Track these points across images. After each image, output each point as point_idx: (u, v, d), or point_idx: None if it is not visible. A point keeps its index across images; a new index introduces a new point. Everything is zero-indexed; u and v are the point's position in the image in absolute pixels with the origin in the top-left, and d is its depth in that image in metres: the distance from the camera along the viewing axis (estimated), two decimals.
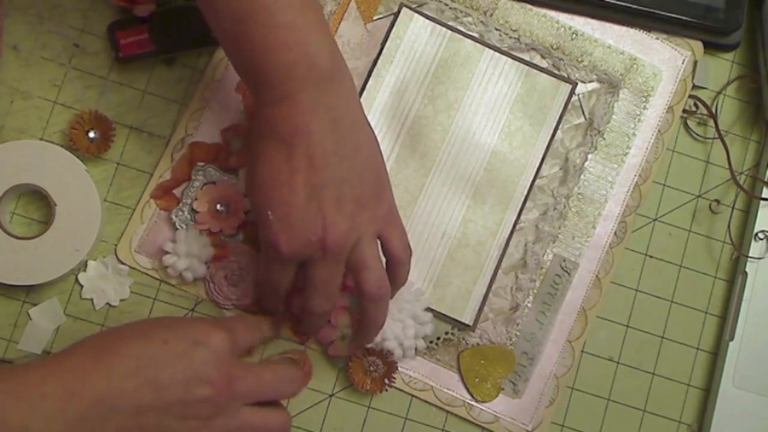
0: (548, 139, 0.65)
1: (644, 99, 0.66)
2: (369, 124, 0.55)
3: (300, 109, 0.50)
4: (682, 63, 0.67)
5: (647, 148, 0.66)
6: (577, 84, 0.66)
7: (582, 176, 0.65)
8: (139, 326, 0.52)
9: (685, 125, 0.68)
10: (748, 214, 0.68)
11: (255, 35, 0.49)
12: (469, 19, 0.65)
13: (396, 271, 0.57)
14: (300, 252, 0.52)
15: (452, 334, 0.63)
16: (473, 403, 0.63)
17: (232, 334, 0.53)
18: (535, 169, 0.65)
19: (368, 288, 0.54)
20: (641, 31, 0.67)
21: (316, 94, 0.50)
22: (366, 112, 0.63)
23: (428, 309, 0.62)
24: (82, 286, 0.62)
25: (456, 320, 0.63)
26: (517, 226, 0.64)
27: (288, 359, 0.61)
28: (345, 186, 0.51)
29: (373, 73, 0.64)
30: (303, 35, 0.50)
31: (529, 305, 0.64)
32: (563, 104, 0.65)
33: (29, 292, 0.61)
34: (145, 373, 0.49)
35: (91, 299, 0.62)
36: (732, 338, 0.65)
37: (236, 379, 0.51)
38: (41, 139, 0.62)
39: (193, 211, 0.62)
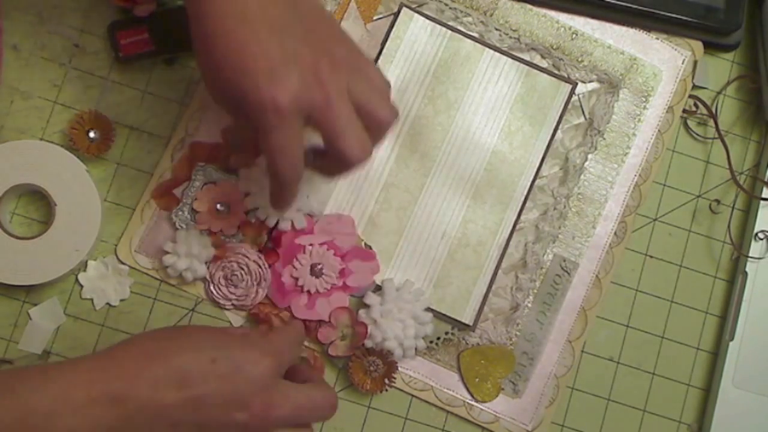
0: (548, 139, 0.65)
1: (644, 99, 0.66)
2: None
3: None
4: (682, 63, 0.67)
5: (647, 148, 0.66)
6: (577, 84, 0.66)
7: (582, 176, 0.65)
8: (190, 337, 0.52)
9: (685, 125, 0.68)
10: (748, 214, 0.68)
11: None
12: (469, 19, 0.65)
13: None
14: (300, 97, 0.48)
15: (452, 334, 0.63)
16: (473, 403, 0.63)
17: (278, 358, 0.52)
18: (535, 169, 0.65)
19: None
20: (641, 31, 0.67)
21: None
22: None
23: (428, 309, 0.62)
24: (82, 286, 0.62)
25: (456, 320, 0.63)
26: (517, 226, 0.64)
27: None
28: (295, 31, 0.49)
29: None
30: None
31: (529, 305, 0.64)
32: (563, 104, 0.65)
33: (29, 292, 0.61)
34: (188, 389, 0.49)
35: (91, 299, 0.62)
36: (732, 338, 0.65)
37: (274, 407, 0.51)
38: (41, 139, 0.62)
39: (193, 211, 0.62)
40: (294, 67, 0.48)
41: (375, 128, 0.52)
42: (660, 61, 0.67)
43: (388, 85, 0.54)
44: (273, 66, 0.47)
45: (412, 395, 0.63)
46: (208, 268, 0.62)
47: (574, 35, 0.66)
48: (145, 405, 0.48)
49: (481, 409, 0.63)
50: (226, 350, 0.51)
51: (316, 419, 0.56)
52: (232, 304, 0.62)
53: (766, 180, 0.66)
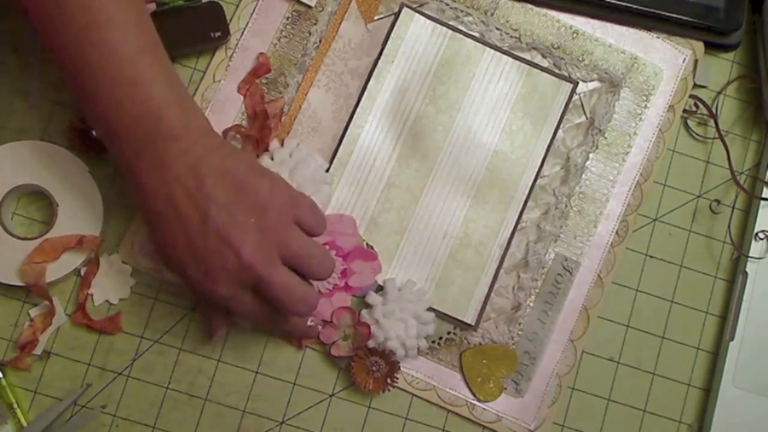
0: (549, 138, 0.65)
1: (645, 98, 0.66)
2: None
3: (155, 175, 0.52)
4: (683, 62, 0.67)
5: (648, 147, 0.66)
6: (578, 83, 0.66)
7: (583, 175, 0.65)
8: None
9: (686, 125, 0.68)
10: (749, 214, 0.68)
11: (102, 89, 0.51)
12: (470, 18, 0.65)
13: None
14: (240, 279, 0.53)
15: (454, 333, 0.63)
16: (475, 402, 0.63)
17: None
18: (537, 169, 0.65)
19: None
20: (642, 30, 0.67)
21: (166, 150, 0.52)
22: (367, 113, 0.64)
23: (430, 309, 0.62)
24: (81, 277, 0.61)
25: (458, 320, 0.63)
26: (519, 226, 0.64)
27: None
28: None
29: (374, 74, 0.64)
30: (148, 90, 0.52)
31: (531, 305, 0.64)
32: (564, 103, 0.65)
33: (29, 292, 0.61)
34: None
35: (91, 294, 0.61)
36: (732, 338, 0.65)
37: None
38: (42, 140, 0.62)
39: None
40: (216, 261, 0.52)
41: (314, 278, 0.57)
42: (661, 61, 0.67)
43: (322, 222, 0.57)
44: (205, 267, 0.52)
45: (415, 395, 0.63)
46: None
47: (574, 34, 0.66)
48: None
49: (484, 409, 0.63)
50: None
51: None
52: None
53: (766, 180, 0.67)
